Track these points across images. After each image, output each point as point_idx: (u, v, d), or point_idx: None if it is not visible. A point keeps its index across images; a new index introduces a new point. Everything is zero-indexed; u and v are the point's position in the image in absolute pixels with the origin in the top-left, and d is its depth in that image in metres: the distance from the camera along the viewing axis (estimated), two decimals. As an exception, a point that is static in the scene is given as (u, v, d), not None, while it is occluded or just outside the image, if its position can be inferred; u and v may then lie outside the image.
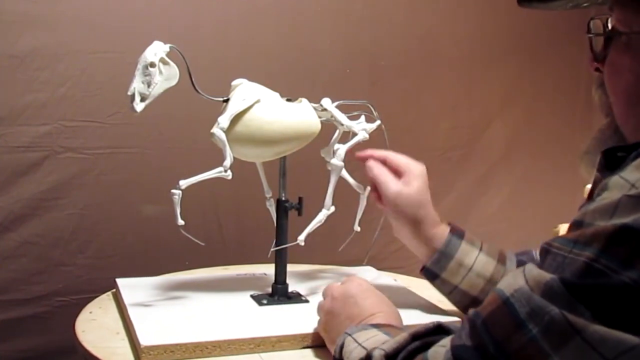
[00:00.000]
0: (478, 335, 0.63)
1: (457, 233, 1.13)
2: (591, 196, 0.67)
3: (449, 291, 1.13)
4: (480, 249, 1.12)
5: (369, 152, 1.16)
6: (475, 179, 2.19)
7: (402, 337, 0.75)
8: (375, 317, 0.93)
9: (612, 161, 0.67)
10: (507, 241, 2.13)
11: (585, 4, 0.77)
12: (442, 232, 1.12)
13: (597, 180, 0.68)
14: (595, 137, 0.79)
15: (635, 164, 0.61)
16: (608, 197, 0.61)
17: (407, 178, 1.13)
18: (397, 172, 1.15)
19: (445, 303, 1.17)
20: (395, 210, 1.12)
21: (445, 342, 0.68)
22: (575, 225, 0.62)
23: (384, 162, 1.15)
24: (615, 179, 0.62)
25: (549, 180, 2.24)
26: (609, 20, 0.72)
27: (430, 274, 1.13)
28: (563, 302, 0.58)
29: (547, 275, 0.60)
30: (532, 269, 0.63)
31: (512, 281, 0.63)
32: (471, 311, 0.66)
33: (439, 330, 0.74)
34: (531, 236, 2.11)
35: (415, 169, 1.14)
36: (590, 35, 0.75)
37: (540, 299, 0.59)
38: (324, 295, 1.03)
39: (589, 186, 0.72)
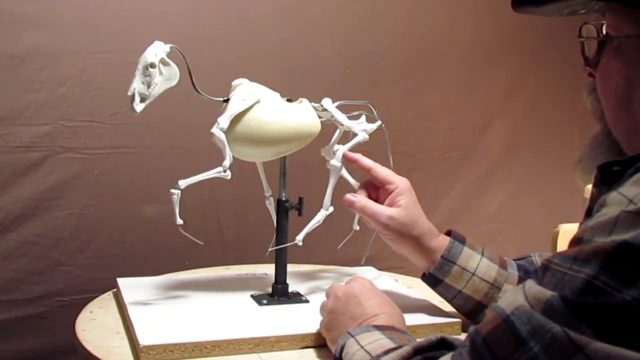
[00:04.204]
0: (479, 354, 0.63)
1: (459, 239, 1.13)
2: (589, 212, 0.66)
3: (453, 296, 1.12)
4: (482, 254, 1.12)
5: (357, 156, 1.16)
6: (475, 179, 2.19)
7: (405, 350, 0.75)
8: (378, 318, 0.93)
9: (608, 176, 0.67)
10: (507, 241, 2.14)
11: (582, 11, 0.77)
12: (442, 242, 1.12)
13: (594, 196, 0.68)
14: (588, 144, 0.79)
15: (633, 179, 0.61)
16: (607, 213, 0.60)
17: (393, 197, 1.12)
18: (381, 186, 1.14)
19: (446, 304, 1.16)
20: (392, 234, 1.11)
21: (446, 359, 0.68)
22: (575, 243, 0.62)
23: (368, 172, 1.14)
24: (613, 195, 0.61)
25: (549, 180, 2.24)
26: (604, 27, 0.72)
27: (433, 280, 1.12)
28: (564, 320, 0.58)
29: (547, 293, 0.60)
30: (532, 286, 0.62)
31: (512, 299, 0.63)
32: (472, 328, 0.66)
33: (442, 345, 0.74)
34: (531, 236, 2.11)
35: (400, 184, 1.12)
36: (582, 39, 0.75)
37: (542, 316, 0.59)
38: (327, 294, 1.03)
39: (589, 186, 0.72)
